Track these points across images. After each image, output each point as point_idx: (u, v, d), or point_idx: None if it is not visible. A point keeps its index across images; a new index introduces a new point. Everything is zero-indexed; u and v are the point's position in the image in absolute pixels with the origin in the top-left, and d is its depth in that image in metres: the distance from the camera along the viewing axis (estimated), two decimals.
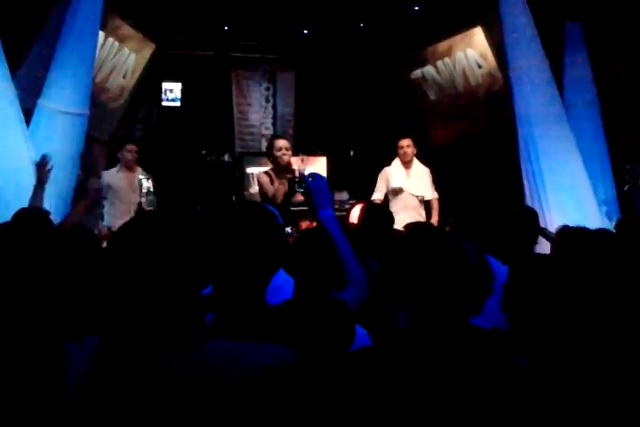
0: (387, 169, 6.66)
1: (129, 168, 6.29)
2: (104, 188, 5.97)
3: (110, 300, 1.53)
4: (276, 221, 1.71)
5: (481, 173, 7.55)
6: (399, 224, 5.41)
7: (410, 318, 1.68)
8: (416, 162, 6.62)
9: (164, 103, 8.95)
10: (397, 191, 6.51)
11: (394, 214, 6.46)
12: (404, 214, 6.23)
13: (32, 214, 3.22)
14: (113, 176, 6.22)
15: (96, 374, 1.45)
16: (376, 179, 6.72)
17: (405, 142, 6.54)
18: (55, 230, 2.80)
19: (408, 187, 6.51)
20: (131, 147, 6.29)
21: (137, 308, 1.49)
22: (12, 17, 5.48)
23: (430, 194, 6.60)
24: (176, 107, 8.98)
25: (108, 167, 6.34)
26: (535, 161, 5.63)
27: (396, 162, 6.60)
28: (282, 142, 5.13)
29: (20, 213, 3.22)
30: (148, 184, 5.71)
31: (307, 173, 2.21)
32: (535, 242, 3.58)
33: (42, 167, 4.45)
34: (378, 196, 6.59)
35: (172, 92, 8.97)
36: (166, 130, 9.03)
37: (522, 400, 1.56)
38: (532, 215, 3.74)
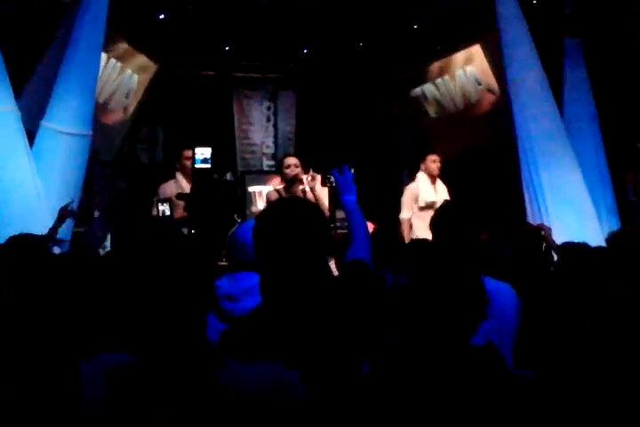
0: (412, 186, 6.54)
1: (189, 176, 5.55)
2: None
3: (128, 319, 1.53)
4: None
5: (482, 187, 7.56)
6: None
7: (406, 338, 1.70)
8: (438, 179, 6.58)
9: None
10: (429, 206, 6.31)
11: (424, 230, 6.41)
12: None
13: (28, 240, 3.22)
14: (172, 187, 5.69)
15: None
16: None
17: (434, 157, 6.50)
18: (53, 256, 2.80)
19: (439, 201, 6.43)
20: (188, 153, 5.46)
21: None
22: (16, 39, 5.54)
23: None
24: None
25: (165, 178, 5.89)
26: (535, 175, 5.65)
27: (422, 177, 6.51)
28: (290, 160, 5.47)
29: (16, 239, 3.20)
30: (162, 207, 5.16)
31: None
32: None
33: (64, 212, 4.60)
34: (407, 214, 6.43)
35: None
36: (172, 150, 9.00)
37: (523, 413, 1.56)
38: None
